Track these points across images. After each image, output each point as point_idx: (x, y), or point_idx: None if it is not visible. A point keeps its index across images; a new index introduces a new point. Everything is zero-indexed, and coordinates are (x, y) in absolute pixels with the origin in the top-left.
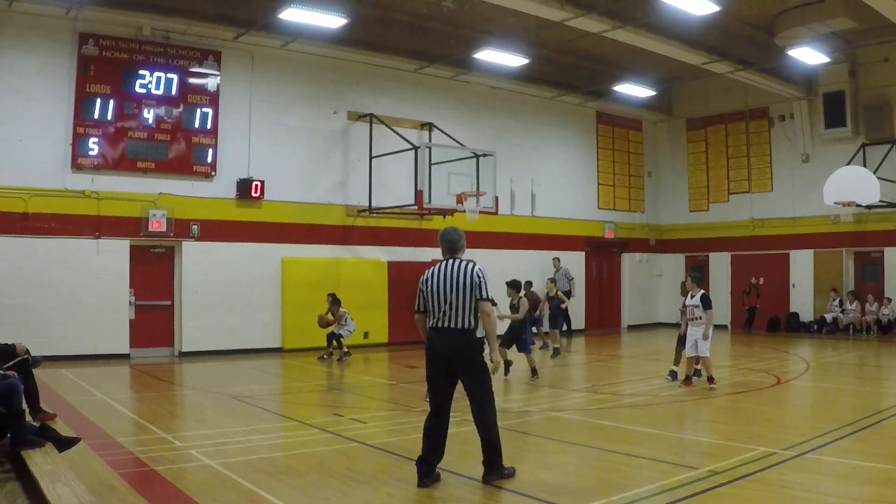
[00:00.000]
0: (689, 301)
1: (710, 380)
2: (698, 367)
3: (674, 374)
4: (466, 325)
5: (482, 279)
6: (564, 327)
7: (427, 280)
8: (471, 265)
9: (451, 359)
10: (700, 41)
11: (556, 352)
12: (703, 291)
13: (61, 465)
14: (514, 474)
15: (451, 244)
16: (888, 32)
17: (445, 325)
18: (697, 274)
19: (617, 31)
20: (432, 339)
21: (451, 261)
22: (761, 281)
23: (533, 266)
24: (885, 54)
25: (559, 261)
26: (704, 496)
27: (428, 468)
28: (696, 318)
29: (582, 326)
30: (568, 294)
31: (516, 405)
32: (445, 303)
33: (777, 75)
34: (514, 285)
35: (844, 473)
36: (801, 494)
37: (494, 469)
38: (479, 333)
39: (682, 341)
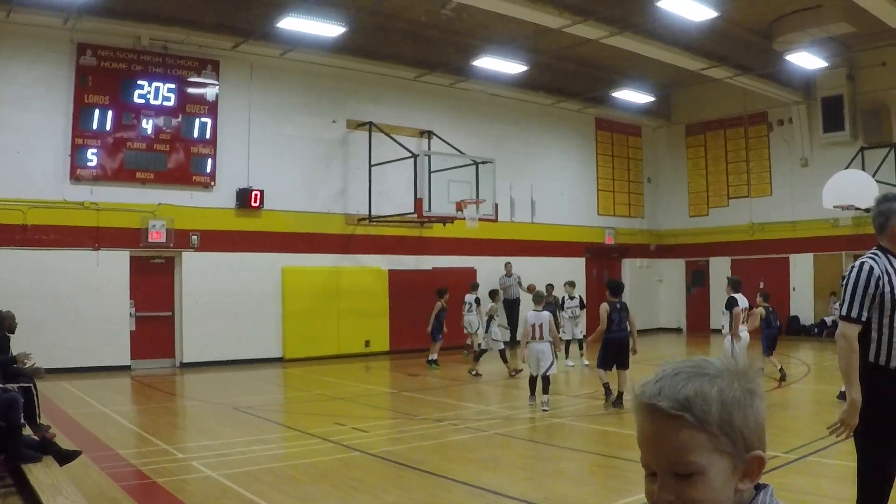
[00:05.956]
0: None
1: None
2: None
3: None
4: None
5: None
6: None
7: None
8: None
9: None
10: (699, 47)
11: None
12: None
13: (62, 479)
14: None
15: None
16: (886, 36)
17: None
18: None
19: (615, 37)
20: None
21: None
22: None
23: (533, 273)
24: (883, 58)
25: (511, 265)
26: None
27: None
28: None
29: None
30: (517, 302)
31: (519, 412)
32: None
33: (775, 80)
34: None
35: (845, 476)
36: (803, 498)
37: None
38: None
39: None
